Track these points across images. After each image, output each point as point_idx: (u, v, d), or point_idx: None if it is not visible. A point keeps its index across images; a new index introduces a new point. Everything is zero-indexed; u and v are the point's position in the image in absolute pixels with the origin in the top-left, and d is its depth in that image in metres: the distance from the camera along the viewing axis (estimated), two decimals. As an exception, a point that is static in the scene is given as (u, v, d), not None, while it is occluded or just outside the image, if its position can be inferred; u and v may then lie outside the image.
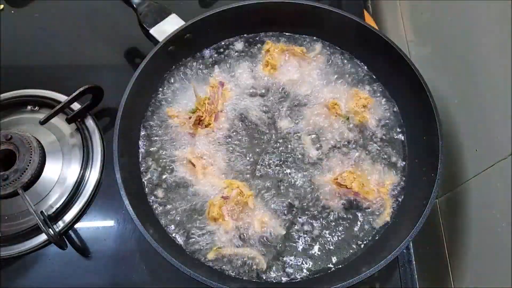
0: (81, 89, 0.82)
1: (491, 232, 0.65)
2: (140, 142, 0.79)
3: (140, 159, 0.78)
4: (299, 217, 0.73)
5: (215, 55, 0.88)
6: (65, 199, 0.80)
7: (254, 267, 0.69)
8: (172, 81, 0.85)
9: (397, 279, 0.78)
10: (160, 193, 0.75)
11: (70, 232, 0.80)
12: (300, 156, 0.78)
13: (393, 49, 0.78)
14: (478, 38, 0.67)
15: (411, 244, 0.82)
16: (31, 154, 0.80)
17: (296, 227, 0.72)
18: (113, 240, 0.80)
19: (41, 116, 0.82)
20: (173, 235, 0.72)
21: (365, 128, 0.80)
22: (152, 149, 0.79)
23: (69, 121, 0.86)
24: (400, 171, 0.77)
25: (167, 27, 0.84)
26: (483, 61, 0.66)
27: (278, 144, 0.79)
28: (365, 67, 0.86)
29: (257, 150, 0.79)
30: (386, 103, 0.83)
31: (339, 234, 0.72)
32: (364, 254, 0.71)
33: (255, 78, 0.85)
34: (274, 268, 0.69)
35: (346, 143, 0.79)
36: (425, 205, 0.66)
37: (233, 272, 0.69)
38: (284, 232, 0.71)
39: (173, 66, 0.86)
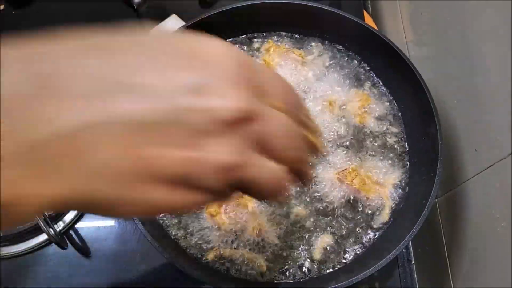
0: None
1: (491, 232, 0.65)
2: (140, 142, 0.79)
3: (140, 159, 0.78)
4: (297, 217, 0.73)
5: (215, 55, 0.88)
6: (66, 199, 0.80)
7: (254, 268, 0.69)
8: (172, 81, 0.85)
9: (396, 278, 0.78)
10: (160, 193, 0.75)
11: (71, 231, 0.81)
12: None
13: (393, 49, 0.78)
14: (478, 38, 0.67)
15: (410, 244, 0.82)
16: (31, 154, 0.80)
17: (294, 227, 0.72)
18: (113, 240, 0.80)
19: (41, 116, 0.82)
20: (174, 235, 0.72)
21: (364, 128, 0.80)
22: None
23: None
24: (400, 171, 0.77)
25: (167, 27, 0.84)
26: (483, 61, 0.66)
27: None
28: (365, 67, 0.86)
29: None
30: (385, 103, 0.83)
31: (338, 233, 0.72)
32: (363, 254, 0.71)
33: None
34: (273, 269, 0.69)
35: (345, 143, 0.79)
36: (425, 205, 0.66)
37: (233, 273, 0.69)
38: (278, 241, 0.71)
39: (173, 66, 0.86)
